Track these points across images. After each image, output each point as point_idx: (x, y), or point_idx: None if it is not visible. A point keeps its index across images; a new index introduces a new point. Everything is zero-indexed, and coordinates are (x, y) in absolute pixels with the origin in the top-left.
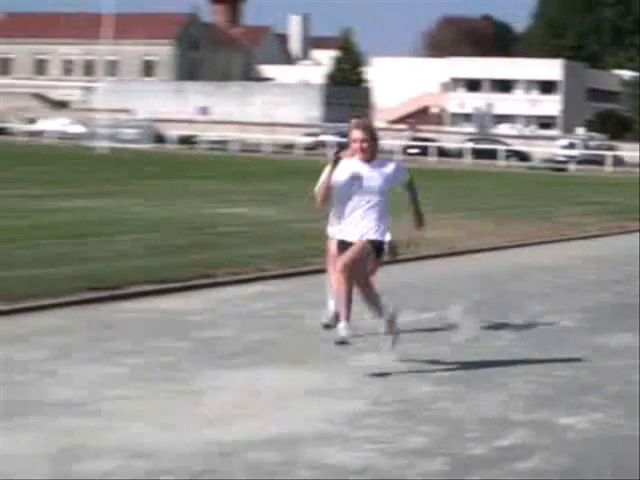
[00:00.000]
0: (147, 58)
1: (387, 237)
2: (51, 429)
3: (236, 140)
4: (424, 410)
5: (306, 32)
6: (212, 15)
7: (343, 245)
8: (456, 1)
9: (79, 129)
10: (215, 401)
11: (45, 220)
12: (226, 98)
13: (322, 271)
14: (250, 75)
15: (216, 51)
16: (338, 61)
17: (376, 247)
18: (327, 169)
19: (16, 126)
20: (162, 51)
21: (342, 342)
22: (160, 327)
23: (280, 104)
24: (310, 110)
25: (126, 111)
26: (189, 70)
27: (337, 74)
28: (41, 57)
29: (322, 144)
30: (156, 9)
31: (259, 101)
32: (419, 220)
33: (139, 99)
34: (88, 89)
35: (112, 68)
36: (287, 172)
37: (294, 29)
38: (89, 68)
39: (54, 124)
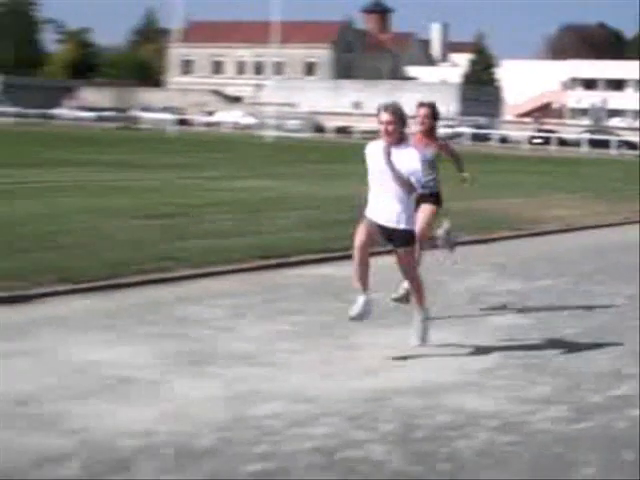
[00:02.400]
0: (308, 60)
1: (414, 226)
2: (228, 377)
3: None
4: (547, 364)
5: (445, 38)
6: (364, 23)
7: (370, 223)
8: (575, 11)
9: (250, 120)
10: (368, 354)
11: (221, 198)
12: (376, 94)
13: (468, 243)
14: (397, 75)
15: (368, 54)
16: (472, 63)
17: (406, 236)
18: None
19: (196, 118)
20: (321, 54)
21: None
22: (322, 290)
23: (423, 100)
24: (448, 105)
25: (290, 105)
26: (344, 70)
27: (472, 74)
28: (218, 59)
29: (458, 134)
30: (316, 17)
31: (405, 97)
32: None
33: (301, 95)
34: (258, 86)
35: (278, 68)
36: None
37: (435, 35)
38: (259, 68)
39: (229, 116)
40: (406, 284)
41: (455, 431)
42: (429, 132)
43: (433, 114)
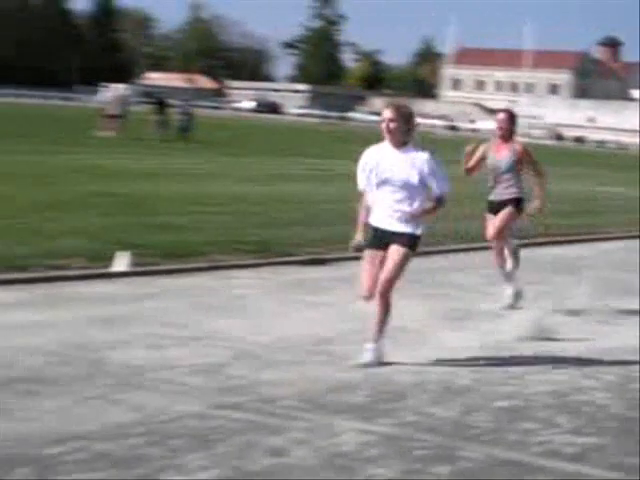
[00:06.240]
0: (553, 82)
1: (419, 230)
2: (482, 330)
3: (612, 141)
4: None
5: None
6: (599, 53)
7: (376, 232)
8: None
9: None
10: (590, 318)
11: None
12: (607, 112)
13: None
14: (623, 96)
15: (600, 79)
16: None
17: (410, 240)
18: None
19: (462, 124)
20: (563, 78)
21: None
22: (558, 267)
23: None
24: None
25: (537, 118)
26: (581, 92)
27: None
28: (480, 79)
29: None
30: (560, 48)
31: (631, 114)
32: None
33: (546, 110)
34: (512, 102)
35: (529, 88)
36: None
37: None
38: (513, 87)
39: (488, 124)
40: (509, 291)
41: None
42: (507, 137)
43: (511, 119)
